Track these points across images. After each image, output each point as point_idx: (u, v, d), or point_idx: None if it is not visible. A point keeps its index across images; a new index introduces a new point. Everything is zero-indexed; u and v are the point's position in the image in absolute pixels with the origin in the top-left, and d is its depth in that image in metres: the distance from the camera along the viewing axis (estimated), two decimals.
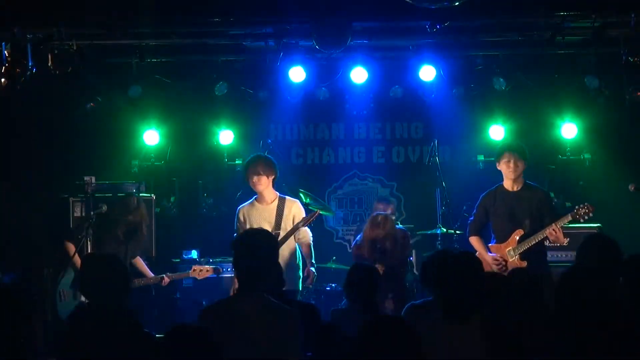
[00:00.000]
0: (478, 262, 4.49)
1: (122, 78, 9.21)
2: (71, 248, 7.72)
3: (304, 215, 7.66)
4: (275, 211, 7.60)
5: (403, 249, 7.83)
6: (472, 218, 7.71)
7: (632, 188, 8.11)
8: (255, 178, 7.58)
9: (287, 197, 7.74)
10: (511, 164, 7.41)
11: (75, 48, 8.18)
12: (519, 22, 8.42)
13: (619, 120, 9.46)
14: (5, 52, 7.55)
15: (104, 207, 7.80)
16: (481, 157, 9.62)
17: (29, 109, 9.06)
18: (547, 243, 7.50)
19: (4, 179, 9.26)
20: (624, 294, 4.47)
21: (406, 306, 5.60)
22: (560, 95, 9.37)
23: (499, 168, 7.56)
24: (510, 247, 7.40)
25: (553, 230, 7.19)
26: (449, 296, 4.32)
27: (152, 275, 7.95)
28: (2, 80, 7.62)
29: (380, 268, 7.31)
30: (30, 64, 7.70)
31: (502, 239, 7.48)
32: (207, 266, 8.06)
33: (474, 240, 7.60)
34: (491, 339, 4.18)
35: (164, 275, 7.94)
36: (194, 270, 8.00)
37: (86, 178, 8.59)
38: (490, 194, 7.61)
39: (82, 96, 9.23)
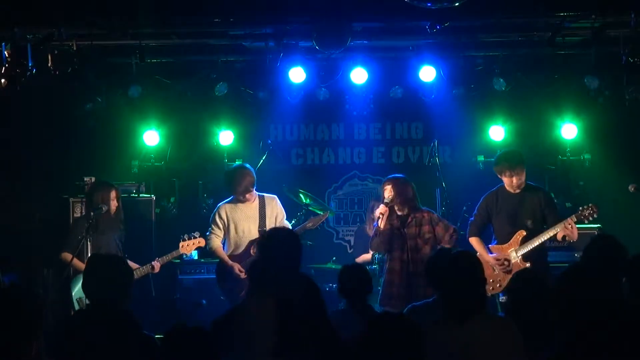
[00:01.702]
0: (478, 261, 4.49)
1: (122, 78, 9.21)
2: (67, 257, 7.65)
3: (282, 210, 7.95)
4: (258, 210, 7.85)
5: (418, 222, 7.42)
6: (472, 219, 7.70)
7: (632, 188, 8.11)
8: (248, 195, 7.83)
9: (265, 195, 7.96)
10: (514, 180, 7.42)
11: (75, 48, 8.18)
12: (519, 22, 8.42)
13: (619, 120, 9.46)
14: (5, 52, 7.55)
15: (104, 207, 7.79)
16: (481, 158, 9.61)
17: (29, 109, 9.06)
18: (548, 244, 7.50)
19: (4, 179, 9.26)
20: (627, 293, 4.47)
21: (407, 307, 5.61)
22: (560, 96, 9.36)
23: (499, 176, 7.56)
24: (513, 248, 7.39)
25: (568, 224, 7.17)
26: (451, 296, 4.32)
27: (138, 266, 7.83)
28: (2, 80, 7.62)
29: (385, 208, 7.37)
30: (30, 64, 7.70)
31: (504, 239, 7.48)
32: (193, 239, 7.94)
33: (474, 241, 7.60)
34: (491, 338, 4.18)
35: (153, 263, 7.80)
36: (182, 246, 7.91)
37: (86, 178, 8.59)
38: (492, 194, 7.60)
39: (82, 96, 9.24)
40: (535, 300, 4.72)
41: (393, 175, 7.66)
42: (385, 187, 7.52)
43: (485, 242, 7.63)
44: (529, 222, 7.41)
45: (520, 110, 9.66)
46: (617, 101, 9.01)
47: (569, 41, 8.62)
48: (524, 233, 7.37)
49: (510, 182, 7.44)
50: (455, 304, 4.27)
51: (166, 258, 7.94)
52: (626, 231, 8.20)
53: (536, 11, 7.93)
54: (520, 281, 4.93)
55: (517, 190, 7.49)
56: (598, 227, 8.60)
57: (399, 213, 7.46)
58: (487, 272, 7.05)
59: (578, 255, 8.05)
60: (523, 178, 7.46)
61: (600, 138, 9.64)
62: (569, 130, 9.50)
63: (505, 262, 7.38)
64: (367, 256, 8.71)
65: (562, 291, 4.05)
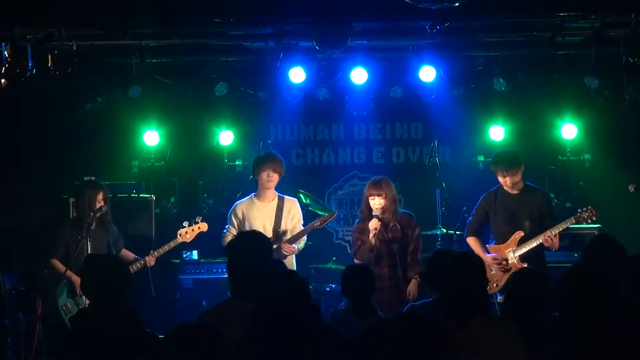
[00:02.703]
0: (480, 262, 4.49)
1: (122, 78, 9.21)
2: (57, 264, 7.63)
3: (301, 214, 7.78)
4: (275, 209, 7.67)
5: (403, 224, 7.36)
6: (470, 218, 7.71)
7: (632, 189, 8.12)
8: (271, 173, 7.63)
9: (285, 197, 7.82)
10: (507, 180, 7.43)
11: (75, 48, 8.18)
12: (519, 22, 8.43)
13: (619, 120, 9.46)
14: (5, 52, 7.54)
15: (104, 208, 7.78)
16: (481, 158, 9.61)
17: (28, 109, 9.06)
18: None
19: (4, 179, 9.27)
20: (627, 293, 4.47)
21: (406, 307, 5.61)
22: (560, 96, 9.36)
23: (495, 176, 7.58)
24: (511, 248, 7.40)
25: (549, 237, 7.23)
26: (453, 296, 4.32)
27: (134, 256, 7.79)
28: (2, 80, 7.61)
29: (376, 223, 7.22)
30: (30, 64, 7.69)
31: (502, 240, 7.49)
32: (193, 225, 7.84)
33: (472, 241, 7.60)
34: (491, 339, 4.18)
35: (146, 257, 7.73)
36: (180, 234, 7.78)
37: (86, 178, 8.57)
38: (491, 195, 7.62)
39: (82, 96, 9.24)
40: (534, 300, 4.73)
41: (379, 181, 7.46)
42: (371, 193, 7.35)
43: (484, 242, 7.64)
44: (526, 223, 7.42)
45: (520, 110, 9.66)
46: (617, 101, 9.01)
47: (569, 41, 8.62)
48: (522, 233, 7.38)
49: (505, 182, 7.46)
50: (456, 304, 4.27)
51: (162, 250, 7.83)
52: (626, 231, 8.24)
53: (536, 11, 7.92)
54: (518, 281, 4.94)
55: (516, 191, 7.50)
56: (598, 227, 8.61)
57: (381, 216, 7.32)
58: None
59: (578, 255, 8.06)
60: (518, 178, 7.46)
61: (600, 138, 9.64)
62: (569, 130, 9.50)
63: (504, 262, 7.39)
64: None
65: (562, 291, 4.05)
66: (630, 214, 9.14)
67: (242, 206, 7.76)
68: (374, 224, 7.21)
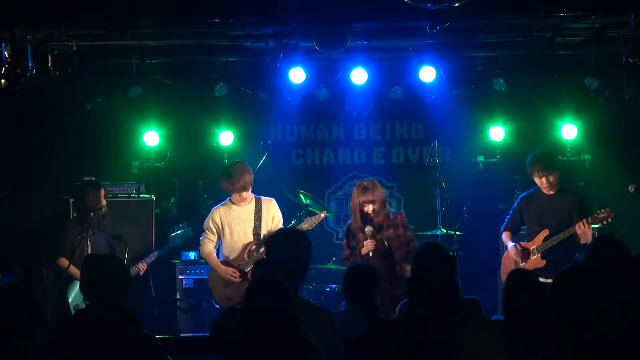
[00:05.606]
0: (451, 257, 4.45)
1: (122, 78, 9.21)
2: (66, 263, 7.65)
3: (280, 214, 7.72)
4: (254, 212, 7.62)
5: (403, 231, 7.32)
6: (508, 217, 7.83)
7: (632, 189, 8.13)
8: (243, 194, 7.59)
9: (262, 197, 7.74)
10: (544, 181, 7.50)
11: (75, 49, 8.18)
12: (519, 23, 8.43)
13: (619, 120, 9.47)
14: (5, 52, 7.54)
15: (104, 208, 7.79)
16: (481, 158, 9.63)
17: (28, 109, 9.06)
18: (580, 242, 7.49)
19: (4, 179, 9.27)
20: (627, 293, 4.47)
21: (400, 303, 5.59)
22: (560, 96, 9.38)
23: (531, 177, 7.62)
24: (535, 246, 7.50)
25: (582, 224, 7.21)
26: (420, 288, 4.28)
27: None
28: (2, 80, 7.61)
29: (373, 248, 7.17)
30: (30, 64, 7.69)
31: (531, 238, 7.61)
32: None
33: (504, 235, 7.75)
34: (469, 338, 4.17)
35: (139, 265, 7.96)
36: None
37: (86, 178, 8.58)
38: (527, 195, 7.76)
39: (82, 96, 9.24)
40: (531, 300, 4.73)
41: (368, 188, 7.28)
42: (367, 204, 7.23)
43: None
44: (554, 223, 7.48)
45: (520, 110, 9.67)
46: (617, 101, 9.02)
47: (569, 41, 8.63)
48: (547, 232, 7.46)
49: (541, 183, 7.52)
50: (428, 297, 4.22)
51: (153, 256, 8.08)
52: (626, 231, 8.22)
53: (536, 11, 7.93)
54: (514, 280, 4.94)
55: (551, 192, 7.56)
56: (598, 227, 8.60)
57: (377, 220, 7.29)
58: (509, 265, 7.41)
59: (578, 256, 8.07)
60: (553, 179, 7.52)
61: (600, 138, 9.65)
62: (569, 131, 9.51)
63: (522, 250, 7.48)
64: None
65: (561, 290, 4.04)
66: (630, 214, 9.13)
67: (220, 212, 7.71)
68: (369, 246, 7.15)
